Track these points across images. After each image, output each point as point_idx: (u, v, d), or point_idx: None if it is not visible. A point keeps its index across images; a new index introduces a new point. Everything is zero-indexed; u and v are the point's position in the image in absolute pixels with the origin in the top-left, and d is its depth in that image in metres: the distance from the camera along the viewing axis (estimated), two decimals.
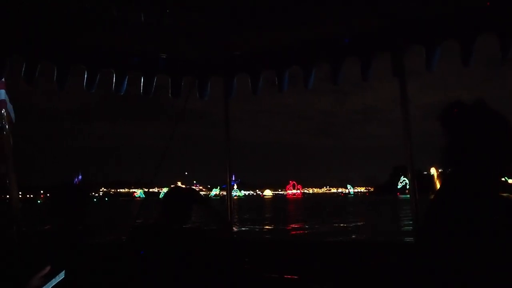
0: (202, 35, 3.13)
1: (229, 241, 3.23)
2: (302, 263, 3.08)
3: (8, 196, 3.18)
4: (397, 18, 2.82)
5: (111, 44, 3.22)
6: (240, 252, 3.26)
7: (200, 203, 2.88)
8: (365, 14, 2.78)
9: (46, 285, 2.02)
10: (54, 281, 2.04)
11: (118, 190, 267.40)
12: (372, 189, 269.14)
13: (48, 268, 2.04)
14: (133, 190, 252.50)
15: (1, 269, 2.39)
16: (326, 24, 2.93)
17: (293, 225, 32.87)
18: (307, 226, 31.16)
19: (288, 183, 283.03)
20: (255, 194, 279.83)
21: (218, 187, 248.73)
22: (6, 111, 3.27)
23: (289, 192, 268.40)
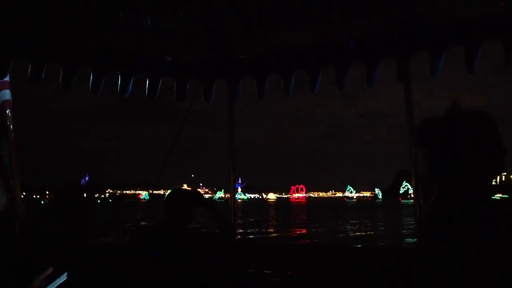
0: (207, 38, 3.13)
1: (231, 244, 3.22)
2: (304, 266, 3.09)
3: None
4: (403, 24, 2.81)
5: (116, 46, 3.22)
6: (242, 254, 3.26)
7: (202, 205, 2.89)
8: (371, 19, 2.77)
9: (48, 286, 2.01)
10: (56, 283, 2.04)
11: (124, 192, 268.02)
12: (375, 194, 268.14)
13: (50, 269, 2.04)
14: (139, 192, 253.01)
15: (4, 270, 2.40)
16: (332, 28, 2.92)
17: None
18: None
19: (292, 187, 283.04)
20: (260, 197, 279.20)
21: (223, 190, 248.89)
22: (11, 111, 3.29)
23: (293, 196, 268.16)
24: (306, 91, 3.26)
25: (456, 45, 2.75)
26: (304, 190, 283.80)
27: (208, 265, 2.77)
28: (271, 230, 32.27)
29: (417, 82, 2.98)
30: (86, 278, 2.45)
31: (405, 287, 2.53)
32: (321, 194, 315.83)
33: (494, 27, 2.62)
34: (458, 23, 2.70)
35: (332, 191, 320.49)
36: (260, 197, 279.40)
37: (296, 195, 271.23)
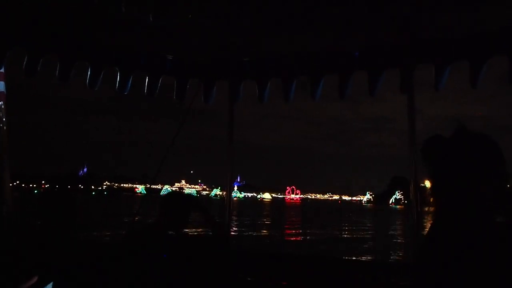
0: (210, 39, 3.08)
1: (225, 248, 3.18)
2: (297, 276, 3.07)
3: None
4: (409, 36, 2.80)
5: (116, 42, 3.17)
6: (235, 259, 3.23)
7: (198, 210, 2.85)
8: (376, 29, 2.74)
9: None
10: None
11: (122, 185, 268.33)
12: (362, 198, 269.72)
13: (35, 279, 1.94)
14: (137, 185, 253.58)
15: None
16: (337, 36, 2.89)
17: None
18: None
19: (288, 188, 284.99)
20: (255, 195, 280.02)
21: (219, 188, 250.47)
22: (5, 103, 3.24)
23: (288, 197, 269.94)
24: (308, 94, 3.21)
25: (461, 60, 2.74)
26: (299, 192, 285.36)
27: (201, 269, 2.74)
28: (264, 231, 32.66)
29: (418, 91, 2.97)
30: (74, 275, 2.38)
31: None
32: (318, 196, 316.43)
33: (500, 43, 2.60)
34: (464, 37, 2.69)
35: (329, 194, 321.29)
36: (257, 195, 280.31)
37: (292, 196, 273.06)
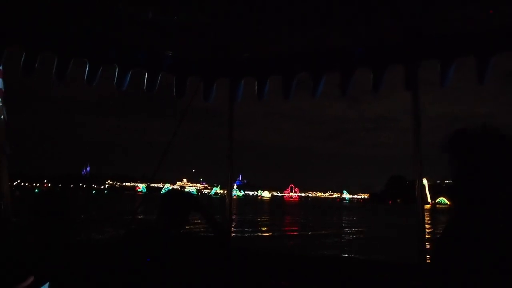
0: (210, 36, 3.04)
1: (225, 248, 3.15)
2: (298, 273, 3.06)
3: None
4: (414, 32, 2.75)
5: (115, 39, 3.13)
6: (236, 258, 3.20)
7: (198, 209, 2.81)
8: (380, 25, 2.70)
9: None
10: None
11: (124, 184, 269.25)
12: (366, 196, 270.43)
13: (31, 279, 1.89)
14: (138, 184, 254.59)
15: None
16: (339, 32, 2.85)
17: None
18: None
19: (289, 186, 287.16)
20: (255, 194, 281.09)
21: (219, 186, 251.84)
22: (3, 100, 3.20)
23: (287, 195, 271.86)
24: (307, 92, 3.17)
25: (467, 56, 2.69)
26: (298, 190, 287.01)
27: (201, 269, 2.70)
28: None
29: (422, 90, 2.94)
30: (71, 284, 2.34)
31: None
32: (318, 194, 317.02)
33: (507, 39, 2.56)
34: (470, 33, 2.65)
35: (329, 192, 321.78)
36: (256, 193, 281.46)
37: (291, 194, 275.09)
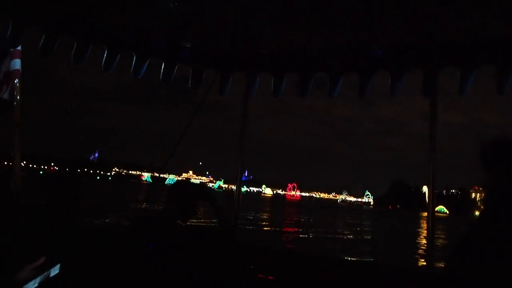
0: (229, 29, 3.02)
1: (231, 241, 3.15)
2: (300, 272, 3.05)
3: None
4: (435, 37, 2.71)
5: (135, 27, 3.13)
6: (241, 253, 3.20)
7: (206, 200, 2.79)
8: (402, 28, 2.66)
9: (37, 279, 1.84)
10: (46, 275, 1.87)
11: (130, 172, 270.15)
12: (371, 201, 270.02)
13: (42, 259, 1.89)
14: (143, 173, 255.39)
15: None
16: (360, 33, 2.81)
17: None
18: None
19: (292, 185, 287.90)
20: (260, 190, 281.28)
21: (222, 180, 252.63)
22: (19, 81, 3.22)
23: (289, 193, 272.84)
24: (323, 93, 3.15)
25: (488, 64, 2.65)
26: (297, 188, 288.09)
27: (206, 260, 2.69)
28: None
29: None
30: (79, 269, 2.35)
31: None
32: (322, 195, 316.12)
33: None
34: (492, 41, 2.61)
35: (334, 193, 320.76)
36: (259, 190, 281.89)
37: (292, 192, 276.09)
